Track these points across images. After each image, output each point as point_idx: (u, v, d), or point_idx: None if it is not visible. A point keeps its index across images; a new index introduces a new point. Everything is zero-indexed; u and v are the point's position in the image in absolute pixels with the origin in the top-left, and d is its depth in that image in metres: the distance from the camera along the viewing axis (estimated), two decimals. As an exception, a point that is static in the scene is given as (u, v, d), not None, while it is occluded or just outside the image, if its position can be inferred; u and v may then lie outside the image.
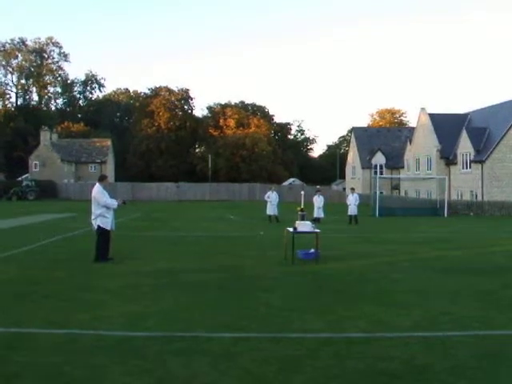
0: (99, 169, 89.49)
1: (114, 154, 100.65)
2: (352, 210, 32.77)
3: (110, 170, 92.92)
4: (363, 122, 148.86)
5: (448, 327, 8.51)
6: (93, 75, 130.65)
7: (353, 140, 78.75)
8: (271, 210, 32.97)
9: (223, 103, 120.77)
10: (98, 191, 15.23)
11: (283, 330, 8.22)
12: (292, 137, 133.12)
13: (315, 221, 27.20)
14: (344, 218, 34.15)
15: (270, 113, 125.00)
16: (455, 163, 55.19)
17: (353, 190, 36.02)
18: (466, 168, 53.10)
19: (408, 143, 66.12)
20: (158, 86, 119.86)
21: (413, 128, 69.98)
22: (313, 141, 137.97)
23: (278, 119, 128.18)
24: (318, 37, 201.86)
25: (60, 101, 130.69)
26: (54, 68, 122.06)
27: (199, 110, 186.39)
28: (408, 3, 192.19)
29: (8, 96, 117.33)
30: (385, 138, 76.16)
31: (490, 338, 8.00)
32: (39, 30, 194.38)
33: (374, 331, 8.22)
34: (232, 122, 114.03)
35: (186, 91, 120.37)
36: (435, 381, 6.15)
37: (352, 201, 33.08)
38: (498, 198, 47.59)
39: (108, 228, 15.29)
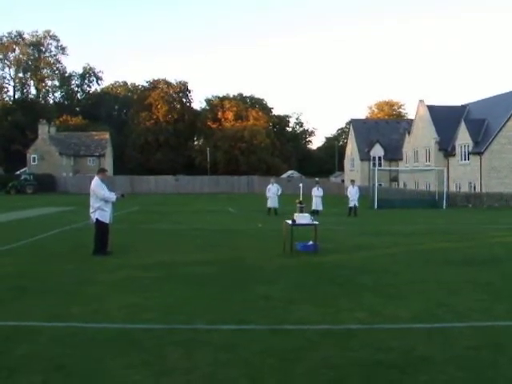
0: (98, 162, 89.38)
1: (113, 148, 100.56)
2: (352, 202, 32.79)
3: (108, 163, 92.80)
4: (362, 114, 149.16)
5: (447, 318, 8.54)
6: (90, 68, 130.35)
7: (351, 132, 78.63)
8: (271, 202, 32.90)
9: (221, 96, 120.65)
10: (96, 184, 15.23)
11: (283, 322, 8.24)
12: (291, 129, 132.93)
13: (314, 213, 27.21)
14: (343, 210, 34.19)
15: (269, 105, 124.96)
16: (454, 155, 55.17)
17: (353, 182, 35.99)
18: (465, 160, 53.08)
19: (406, 135, 66.06)
20: (156, 79, 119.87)
21: (411, 120, 69.88)
22: (311, 133, 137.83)
23: (276, 112, 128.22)
24: (316, 29, 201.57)
25: (58, 94, 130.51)
26: (52, 61, 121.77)
27: (197, 103, 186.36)
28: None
29: (6, 89, 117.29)
30: (383, 130, 76.04)
31: (489, 328, 8.03)
32: (36, 23, 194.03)
33: (374, 323, 8.24)
34: (230, 115, 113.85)
35: (184, 84, 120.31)
36: (435, 371, 6.17)
37: (353, 193, 33.10)
38: (496, 189, 47.58)
39: (106, 221, 15.30)
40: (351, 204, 32.78)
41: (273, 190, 33.13)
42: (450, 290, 10.66)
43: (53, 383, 5.87)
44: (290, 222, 15.98)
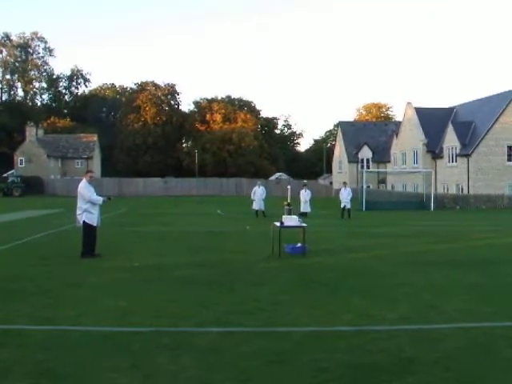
0: (85, 164, 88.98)
1: (101, 150, 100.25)
2: (344, 203, 32.77)
3: (96, 165, 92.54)
4: (350, 116, 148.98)
5: (435, 320, 8.56)
6: (78, 70, 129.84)
7: (339, 134, 78.84)
8: (257, 204, 32.97)
9: (210, 98, 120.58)
10: (83, 186, 15.17)
11: (271, 324, 8.24)
12: (279, 131, 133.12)
13: (302, 215, 27.23)
14: (331, 212, 34.21)
15: (257, 107, 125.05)
16: (441, 157, 55.43)
17: (345, 184, 35.96)
18: (452, 162, 53.34)
19: (394, 137, 66.32)
20: (144, 81, 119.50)
21: (399, 122, 70.17)
22: (299, 135, 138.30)
23: (264, 114, 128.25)
24: (304, 32, 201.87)
25: (46, 96, 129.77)
26: (40, 63, 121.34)
27: (186, 105, 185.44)
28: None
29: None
30: (371, 132, 76.31)
31: (476, 329, 8.05)
32: (24, 25, 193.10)
33: (362, 324, 8.25)
34: (219, 117, 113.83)
35: (173, 86, 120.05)
36: (422, 373, 6.19)
37: (345, 195, 33.09)
38: (483, 191, 47.87)
39: (94, 224, 15.24)
40: (342, 205, 32.78)
41: (259, 192, 33.17)
42: (437, 291, 10.69)
43: (39, 387, 5.84)
44: (278, 224, 15.98)
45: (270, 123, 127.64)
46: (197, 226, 25.97)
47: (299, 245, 15.93)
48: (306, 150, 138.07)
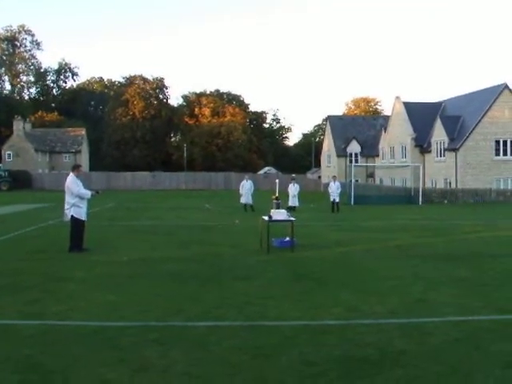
0: (73, 158, 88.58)
1: (89, 144, 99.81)
2: (332, 197, 32.85)
3: (84, 159, 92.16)
4: (338, 110, 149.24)
5: (424, 313, 8.59)
6: (66, 64, 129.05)
7: (328, 128, 78.83)
8: (245, 198, 33.00)
9: (198, 92, 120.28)
10: (71, 181, 15.12)
11: (259, 318, 8.24)
12: (267, 125, 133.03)
13: (290, 209, 27.23)
14: (320, 206, 34.20)
15: (246, 101, 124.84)
16: (429, 151, 55.56)
17: (334, 177, 36.07)
18: (440, 156, 53.48)
19: (383, 131, 66.40)
20: (132, 75, 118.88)
21: (388, 116, 70.24)
22: (288, 129, 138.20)
23: (253, 108, 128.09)
24: (292, 25, 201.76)
25: (33, 90, 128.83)
26: (27, 56, 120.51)
27: (174, 99, 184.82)
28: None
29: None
30: (360, 126, 76.33)
31: (464, 323, 8.08)
32: (11, 18, 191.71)
33: (350, 318, 8.26)
34: (207, 111, 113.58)
35: (161, 80, 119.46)
36: (411, 366, 6.20)
37: (334, 188, 33.17)
38: (471, 185, 48.04)
39: (82, 218, 15.20)
40: (331, 199, 32.88)
41: (246, 186, 33.20)
42: (426, 285, 10.73)
43: (29, 382, 5.81)
44: (266, 218, 15.98)
45: (259, 117, 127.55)
46: (185, 220, 25.93)
47: (287, 239, 15.95)
48: (295, 144, 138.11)
